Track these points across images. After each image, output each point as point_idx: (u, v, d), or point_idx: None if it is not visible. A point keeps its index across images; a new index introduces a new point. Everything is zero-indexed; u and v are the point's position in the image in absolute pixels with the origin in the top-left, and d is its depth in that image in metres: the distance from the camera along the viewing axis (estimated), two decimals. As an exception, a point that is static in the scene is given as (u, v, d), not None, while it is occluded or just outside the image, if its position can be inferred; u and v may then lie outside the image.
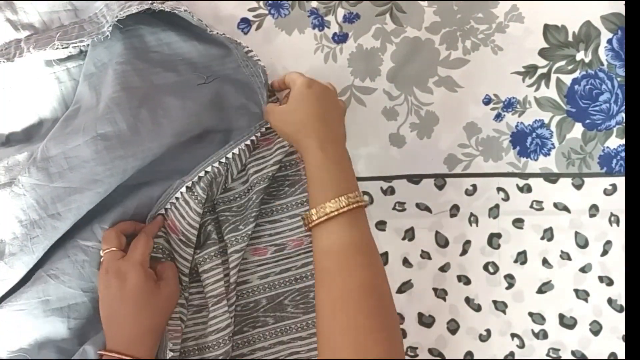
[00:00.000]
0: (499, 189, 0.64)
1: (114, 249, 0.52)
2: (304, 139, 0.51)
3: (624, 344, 0.64)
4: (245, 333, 0.59)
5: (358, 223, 0.49)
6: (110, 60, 0.57)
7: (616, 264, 0.64)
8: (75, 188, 0.53)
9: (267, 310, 0.60)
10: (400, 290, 0.63)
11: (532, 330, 0.64)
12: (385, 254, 0.63)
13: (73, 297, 0.54)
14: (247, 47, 0.58)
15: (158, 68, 0.57)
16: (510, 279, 0.64)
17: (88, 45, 0.57)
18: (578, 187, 0.64)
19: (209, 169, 0.55)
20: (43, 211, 0.53)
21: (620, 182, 0.64)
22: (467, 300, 0.64)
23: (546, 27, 0.64)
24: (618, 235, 0.64)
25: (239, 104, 0.59)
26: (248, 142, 0.57)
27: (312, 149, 0.50)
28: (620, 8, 0.63)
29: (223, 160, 0.56)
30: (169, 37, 0.59)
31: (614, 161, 0.64)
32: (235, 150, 0.56)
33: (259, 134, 0.58)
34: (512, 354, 0.64)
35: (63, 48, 0.54)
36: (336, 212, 0.47)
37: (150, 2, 0.53)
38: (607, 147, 0.65)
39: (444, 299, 0.64)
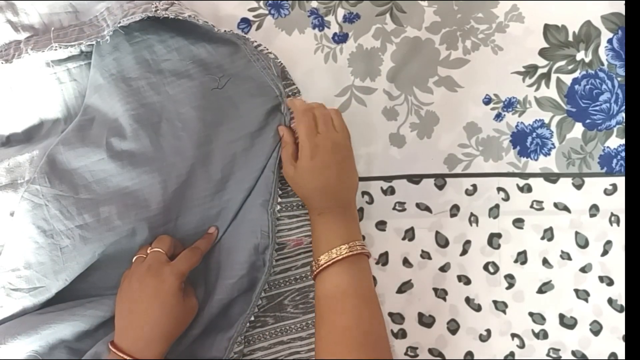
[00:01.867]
0: (499, 189, 0.64)
1: (162, 251, 0.53)
2: (306, 204, 0.58)
3: (624, 344, 0.64)
4: (245, 333, 0.59)
5: (350, 271, 0.53)
6: (120, 73, 0.57)
7: (616, 264, 0.64)
8: (103, 200, 0.54)
9: (267, 310, 0.60)
10: (400, 290, 0.64)
11: (532, 330, 0.64)
12: (386, 254, 0.63)
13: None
14: (255, 41, 0.58)
15: (171, 77, 0.57)
16: (510, 279, 0.64)
17: (90, 45, 0.57)
18: (578, 187, 0.64)
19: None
20: (69, 222, 0.53)
21: (621, 182, 0.64)
22: (467, 300, 0.64)
23: (546, 27, 0.64)
24: (618, 235, 0.64)
25: (254, 103, 0.59)
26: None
27: (311, 214, 0.57)
28: (620, 8, 0.63)
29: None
30: (177, 42, 0.59)
31: (614, 161, 0.64)
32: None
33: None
34: (512, 354, 0.64)
35: (62, 50, 0.54)
36: (327, 263, 0.53)
37: (154, 8, 0.53)
38: (608, 147, 0.65)
39: (444, 299, 0.64)
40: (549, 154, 0.64)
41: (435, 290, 0.64)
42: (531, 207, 0.64)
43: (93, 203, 0.54)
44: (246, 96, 0.59)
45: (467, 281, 0.64)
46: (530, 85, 0.64)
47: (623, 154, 0.64)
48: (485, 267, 0.64)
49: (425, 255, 0.64)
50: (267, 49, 0.59)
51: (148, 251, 0.54)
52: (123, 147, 0.55)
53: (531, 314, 0.64)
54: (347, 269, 0.53)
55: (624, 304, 0.64)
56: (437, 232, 0.64)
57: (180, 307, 0.52)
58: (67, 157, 0.54)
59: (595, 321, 0.64)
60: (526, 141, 0.64)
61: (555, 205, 0.64)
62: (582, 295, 0.64)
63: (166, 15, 0.53)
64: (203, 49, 0.59)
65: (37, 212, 0.53)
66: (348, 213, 0.57)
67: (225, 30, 0.56)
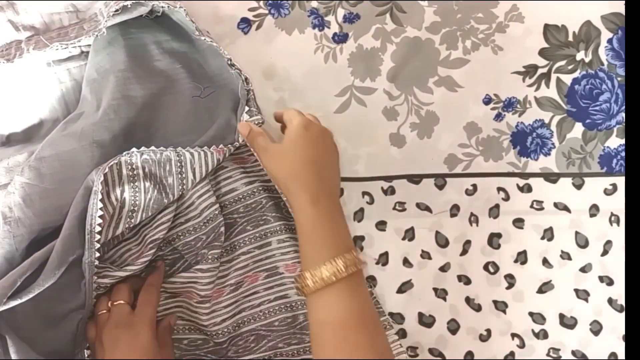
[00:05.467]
0: (499, 189, 0.64)
1: (123, 302, 0.51)
2: (294, 189, 0.48)
3: (624, 344, 0.64)
4: (280, 349, 0.59)
5: (358, 289, 0.45)
6: (112, 67, 0.57)
7: (616, 264, 0.64)
8: (67, 193, 0.52)
9: (304, 328, 0.59)
10: (400, 290, 0.63)
11: (533, 330, 0.64)
12: (386, 254, 0.63)
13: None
14: (230, 59, 0.56)
15: (159, 77, 0.57)
16: (510, 279, 0.64)
17: (89, 45, 0.58)
18: (578, 186, 0.64)
19: (158, 155, 0.52)
20: (29, 210, 0.52)
21: (621, 181, 0.64)
22: (468, 300, 0.64)
23: (546, 27, 0.64)
24: (618, 235, 0.64)
25: (226, 118, 0.58)
26: (206, 153, 0.53)
27: (303, 203, 0.47)
28: (620, 8, 0.63)
29: (176, 152, 0.53)
30: (171, 47, 0.59)
31: (614, 161, 0.64)
32: (189, 154, 0.53)
33: (220, 157, 0.54)
34: (512, 353, 0.64)
35: (63, 49, 0.54)
36: (333, 278, 0.44)
37: None
38: (608, 146, 0.65)
39: (444, 299, 0.64)
40: (549, 154, 0.64)
41: (435, 290, 0.64)
42: (531, 207, 0.64)
43: (57, 193, 0.52)
44: (223, 106, 0.58)
45: (467, 281, 0.64)
46: (530, 85, 0.64)
47: (623, 154, 0.64)
48: (485, 267, 0.64)
49: (425, 255, 0.64)
50: (239, 70, 0.56)
51: (109, 305, 0.51)
52: (95, 137, 0.53)
53: (531, 314, 0.64)
54: (356, 286, 0.45)
55: (624, 304, 0.64)
56: (437, 232, 0.64)
57: (159, 355, 0.50)
58: (43, 146, 0.53)
59: (595, 321, 0.64)
60: (526, 141, 0.64)
61: (555, 205, 0.64)
62: (582, 295, 0.64)
63: (155, 3, 0.53)
64: (194, 57, 0.59)
65: (5, 200, 0.52)
66: (337, 218, 0.48)
67: (205, 39, 0.55)
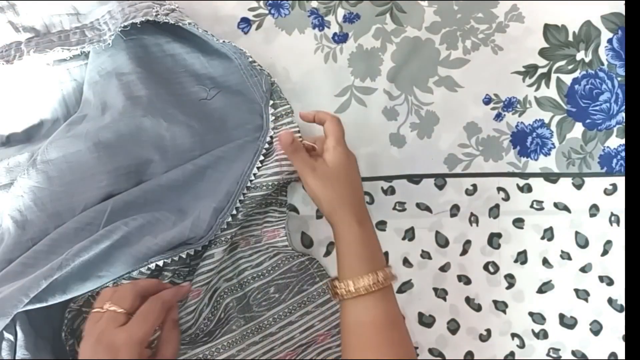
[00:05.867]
0: (499, 189, 0.64)
1: (119, 310, 0.46)
2: (343, 211, 0.51)
3: (624, 344, 0.64)
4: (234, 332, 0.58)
5: (392, 297, 0.50)
6: (114, 69, 0.57)
7: (616, 264, 0.64)
8: (79, 193, 0.53)
9: (239, 312, 0.59)
10: (400, 290, 0.64)
11: (533, 330, 0.64)
12: (386, 254, 0.63)
13: None
14: (251, 56, 0.58)
15: (162, 78, 0.57)
16: (510, 279, 0.64)
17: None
18: (578, 186, 0.64)
19: (244, 191, 0.55)
20: (42, 213, 0.52)
21: (621, 181, 0.64)
22: (468, 300, 0.64)
23: (546, 27, 0.64)
24: (618, 235, 0.64)
25: (241, 119, 0.59)
26: (261, 157, 0.57)
27: (350, 223, 0.51)
28: (621, 8, 0.63)
29: (252, 178, 0.56)
30: (172, 48, 0.59)
31: (614, 161, 0.64)
32: (255, 170, 0.56)
33: (266, 145, 0.57)
34: (512, 353, 0.64)
35: (63, 53, 0.54)
36: (374, 287, 0.49)
37: (154, 12, 0.53)
38: (608, 146, 0.65)
39: (444, 299, 0.64)
40: (549, 154, 0.65)
41: (435, 290, 0.64)
42: (531, 207, 0.64)
43: (67, 195, 0.53)
44: (235, 110, 0.59)
45: (467, 281, 0.64)
46: (530, 85, 0.64)
47: (623, 154, 0.64)
48: (485, 267, 0.64)
49: (425, 255, 0.64)
50: (261, 66, 0.58)
51: (105, 307, 0.46)
52: (101, 138, 0.54)
53: (531, 314, 0.64)
54: (390, 294, 0.51)
55: (624, 304, 0.64)
56: (437, 232, 0.64)
57: None
58: (48, 149, 0.54)
59: (595, 321, 0.64)
60: (526, 141, 0.64)
61: (555, 205, 0.64)
62: (582, 295, 0.64)
63: (166, 21, 0.53)
64: (197, 60, 0.59)
65: (14, 204, 0.52)
66: (376, 236, 0.53)
67: (223, 41, 0.56)
